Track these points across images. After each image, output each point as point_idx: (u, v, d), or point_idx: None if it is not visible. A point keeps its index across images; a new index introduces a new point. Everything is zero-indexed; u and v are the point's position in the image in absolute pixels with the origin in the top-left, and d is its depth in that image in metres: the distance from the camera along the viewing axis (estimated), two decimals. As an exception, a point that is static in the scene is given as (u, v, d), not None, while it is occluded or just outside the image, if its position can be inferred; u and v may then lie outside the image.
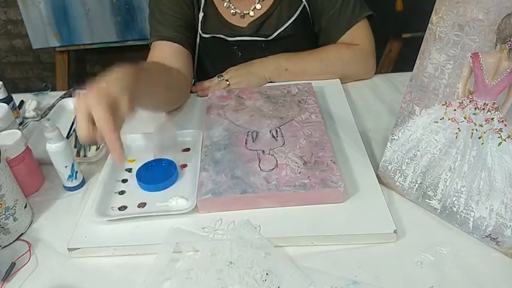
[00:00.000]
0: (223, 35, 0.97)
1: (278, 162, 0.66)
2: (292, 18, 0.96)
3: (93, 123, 0.57)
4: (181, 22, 0.94)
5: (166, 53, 0.91)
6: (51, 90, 1.04)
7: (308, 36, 1.01)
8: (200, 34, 0.99)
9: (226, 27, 0.98)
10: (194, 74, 1.06)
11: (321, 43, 1.00)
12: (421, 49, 0.54)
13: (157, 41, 0.93)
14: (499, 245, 0.56)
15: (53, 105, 0.95)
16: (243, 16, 0.97)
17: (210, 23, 0.98)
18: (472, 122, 0.52)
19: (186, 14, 0.95)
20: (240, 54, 1.00)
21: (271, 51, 0.97)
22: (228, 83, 0.92)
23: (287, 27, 0.96)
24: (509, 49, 0.45)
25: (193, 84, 0.98)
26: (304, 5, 0.96)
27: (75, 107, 0.58)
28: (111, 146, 0.57)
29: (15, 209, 0.62)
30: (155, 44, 0.93)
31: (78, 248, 0.59)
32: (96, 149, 0.79)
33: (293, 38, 0.98)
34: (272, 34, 0.97)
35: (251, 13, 0.96)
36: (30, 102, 0.94)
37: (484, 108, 0.50)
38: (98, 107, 0.55)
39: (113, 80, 0.61)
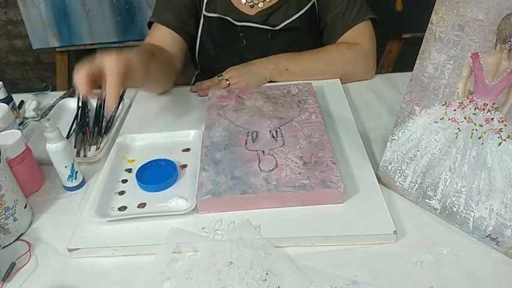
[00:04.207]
0: (231, 18, 0.98)
1: (278, 163, 0.66)
2: (301, 12, 0.97)
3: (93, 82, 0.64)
4: (185, 6, 0.97)
5: (164, 41, 0.96)
6: (51, 90, 1.04)
7: (313, 31, 1.02)
8: (204, 14, 0.99)
9: (233, 11, 0.98)
10: (196, 56, 1.08)
11: (325, 39, 1.02)
12: (421, 49, 0.54)
13: (158, 24, 0.97)
14: (499, 245, 0.56)
15: (53, 105, 0.95)
16: (252, 6, 0.97)
17: (217, 3, 0.98)
18: (472, 122, 0.52)
19: None
20: (245, 42, 1.01)
21: (276, 41, 0.99)
22: (228, 82, 0.92)
23: (295, 19, 0.98)
24: (509, 49, 0.45)
25: (193, 84, 0.98)
26: (314, 2, 0.98)
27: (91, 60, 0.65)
28: (109, 94, 0.63)
29: (15, 209, 0.62)
30: (156, 26, 0.98)
31: (78, 248, 0.59)
32: (96, 149, 0.79)
33: (298, 31, 0.99)
34: (279, 24, 0.98)
35: (260, 4, 0.97)
36: (30, 102, 0.94)
37: (484, 109, 0.50)
38: (113, 60, 0.63)
39: (133, 51, 0.69)
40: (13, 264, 0.59)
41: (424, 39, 0.53)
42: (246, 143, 0.71)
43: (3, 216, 0.60)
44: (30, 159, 0.70)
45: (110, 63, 0.63)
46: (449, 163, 0.56)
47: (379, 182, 0.66)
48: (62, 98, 0.97)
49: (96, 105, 0.86)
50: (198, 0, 0.98)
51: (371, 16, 0.96)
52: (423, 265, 0.55)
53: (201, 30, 1.02)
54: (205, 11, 0.99)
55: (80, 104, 0.92)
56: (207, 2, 0.98)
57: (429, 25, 0.52)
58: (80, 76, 0.62)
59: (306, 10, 0.98)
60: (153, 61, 0.78)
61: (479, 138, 0.52)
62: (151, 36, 0.97)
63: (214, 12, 0.98)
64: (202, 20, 1.00)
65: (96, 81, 0.64)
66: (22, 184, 0.65)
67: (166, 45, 0.96)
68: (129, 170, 0.72)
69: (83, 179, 0.73)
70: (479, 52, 0.48)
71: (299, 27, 0.99)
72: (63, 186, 0.72)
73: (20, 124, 0.88)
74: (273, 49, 0.97)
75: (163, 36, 0.96)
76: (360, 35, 0.96)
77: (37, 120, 0.92)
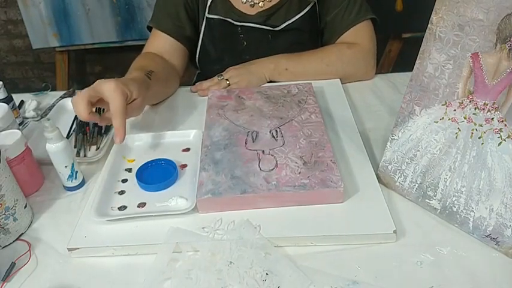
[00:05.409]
0: (231, 19, 0.98)
1: (278, 162, 0.66)
2: (302, 13, 0.98)
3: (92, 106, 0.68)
4: (183, 10, 0.97)
5: (164, 50, 0.97)
6: (51, 90, 1.04)
7: (313, 31, 1.02)
8: (206, 16, 0.99)
9: (233, 12, 0.98)
10: (197, 59, 1.08)
11: (325, 39, 1.02)
12: (421, 49, 0.54)
13: (157, 30, 0.98)
14: (499, 245, 0.56)
15: (53, 105, 0.95)
16: (252, 5, 0.97)
17: (218, 5, 0.98)
18: (472, 122, 0.52)
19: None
20: (245, 43, 1.01)
21: (277, 42, 0.99)
22: (228, 82, 0.92)
23: (296, 20, 0.98)
24: (509, 49, 0.45)
25: (193, 84, 0.98)
26: (315, 2, 0.98)
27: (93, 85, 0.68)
28: (118, 129, 0.67)
29: (15, 209, 0.62)
30: (155, 32, 0.98)
31: (78, 248, 0.59)
32: (96, 149, 0.79)
33: (299, 32, 1.00)
34: (280, 25, 0.98)
35: (261, 4, 0.97)
36: (30, 102, 0.94)
37: (484, 108, 0.50)
38: (115, 94, 0.66)
39: (132, 81, 0.72)
40: (13, 264, 0.59)
41: (424, 39, 0.53)
42: (246, 143, 0.71)
43: (3, 216, 0.60)
44: (30, 159, 0.70)
45: (110, 94, 0.66)
46: (449, 163, 0.56)
47: (379, 182, 0.66)
48: (62, 98, 0.97)
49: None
50: (196, 3, 0.98)
51: (371, 16, 0.96)
52: (423, 265, 0.55)
53: (203, 32, 1.02)
54: (208, 13, 0.99)
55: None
56: (209, 4, 0.98)
57: (429, 25, 0.52)
58: (80, 104, 0.66)
59: (307, 11, 0.98)
60: (150, 87, 0.79)
61: (479, 138, 0.52)
62: (151, 44, 0.98)
63: (216, 14, 0.98)
64: (204, 22, 1.00)
65: (94, 104, 0.69)
66: (22, 184, 0.65)
67: (166, 53, 0.97)
68: (129, 170, 0.72)
69: (83, 179, 0.73)
70: (479, 52, 0.48)
71: (300, 28, 0.99)
72: (63, 186, 0.72)
73: (20, 124, 0.88)
74: (274, 50, 0.97)
75: (162, 45, 0.97)
76: (360, 34, 0.96)
77: (37, 120, 0.92)
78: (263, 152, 0.68)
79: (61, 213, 0.68)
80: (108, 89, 0.67)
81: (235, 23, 0.98)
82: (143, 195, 0.66)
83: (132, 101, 0.72)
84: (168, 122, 0.86)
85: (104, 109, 0.74)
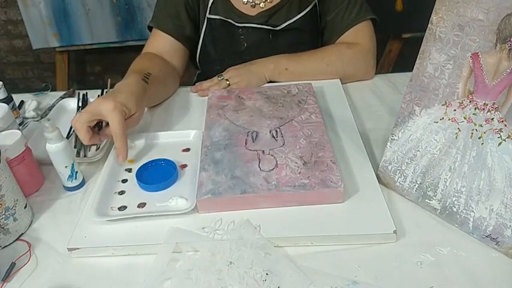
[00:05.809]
0: (232, 20, 0.98)
1: (278, 163, 0.66)
2: (303, 13, 0.98)
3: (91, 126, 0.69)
4: (183, 10, 0.97)
5: (164, 50, 0.97)
6: (51, 90, 1.04)
7: (314, 31, 1.02)
8: (207, 16, 0.99)
9: (234, 13, 0.98)
10: (197, 60, 1.08)
11: (325, 39, 1.03)
12: (421, 49, 0.54)
13: (157, 30, 0.98)
14: (499, 245, 0.56)
15: (53, 105, 0.95)
16: (253, 6, 0.97)
17: (219, 6, 0.98)
18: (472, 122, 0.52)
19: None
20: (246, 44, 1.01)
21: (277, 42, 0.99)
22: (228, 82, 0.92)
23: (296, 20, 0.98)
24: (509, 49, 0.45)
25: (193, 84, 0.98)
26: (315, 2, 0.98)
27: (89, 104, 0.69)
28: (120, 149, 0.69)
29: (15, 209, 0.62)
30: (155, 32, 0.98)
31: (78, 248, 0.59)
32: (96, 149, 0.79)
33: (299, 31, 1.00)
34: (281, 25, 0.98)
35: (261, 4, 0.97)
36: (30, 102, 0.94)
37: (484, 109, 0.50)
38: (114, 115, 0.67)
39: (129, 95, 0.71)
40: (13, 264, 0.59)
41: (424, 39, 0.53)
42: (246, 143, 0.71)
43: (3, 216, 0.60)
44: (30, 159, 0.70)
45: (109, 114, 0.67)
46: (449, 163, 0.56)
47: (379, 182, 0.66)
48: (62, 98, 0.97)
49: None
50: (197, 3, 0.98)
51: (371, 16, 0.96)
52: (423, 265, 0.55)
53: (204, 33, 1.02)
54: (209, 13, 0.99)
55: (80, 104, 0.92)
56: (210, 5, 0.98)
57: (429, 25, 0.52)
58: (80, 131, 0.67)
59: (308, 10, 0.98)
60: (148, 91, 0.79)
61: (479, 138, 0.52)
62: (151, 44, 0.98)
63: (217, 15, 0.98)
64: (205, 22, 1.00)
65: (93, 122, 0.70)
66: (22, 184, 0.65)
67: (166, 53, 0.97)
68: (129, 170, 0.72)
69: (83, 179, 0.73)
70: (479, 52, 0.48)
71: (300, 28, 0.99)
72: (63, 186, 0.72)
73: (20, 124, 0.88)
74: (274, 50, 0.97)
75: (163, 44, 0.97)
76: (360, 35, 0.96)
77: (37, 120, 0.92)
78: (263, 152, 0.68)
79: (61, 213, 0.68)
80: (106, 109, 0.67)
81: (236, 24, 0.98)
82: (143, 195, 0.66)
83: (130, 116, 0.72)
84: (168, 122, 0.86)
85: (102, 123, 0.73)
